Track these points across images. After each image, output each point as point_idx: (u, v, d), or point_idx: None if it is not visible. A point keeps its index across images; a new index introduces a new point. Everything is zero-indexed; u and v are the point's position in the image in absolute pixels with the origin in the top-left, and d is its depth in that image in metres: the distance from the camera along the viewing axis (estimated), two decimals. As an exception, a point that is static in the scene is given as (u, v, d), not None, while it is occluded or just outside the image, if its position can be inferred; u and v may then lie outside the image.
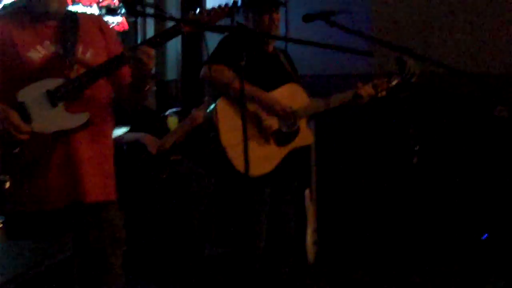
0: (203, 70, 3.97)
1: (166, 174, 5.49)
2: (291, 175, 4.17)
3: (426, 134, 5.08)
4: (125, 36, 7.54)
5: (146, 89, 3.14)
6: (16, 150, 2.87)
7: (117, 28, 7.19)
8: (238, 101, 3.82)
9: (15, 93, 2.93)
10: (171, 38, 3.10)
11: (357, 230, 5.79)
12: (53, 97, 2.96)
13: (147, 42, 3.05)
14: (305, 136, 4.15)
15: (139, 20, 7.69)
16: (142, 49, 2.99)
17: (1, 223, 4.13)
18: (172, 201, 5.56)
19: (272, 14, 4.14)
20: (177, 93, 6.61)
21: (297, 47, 5.62)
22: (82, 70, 3.04)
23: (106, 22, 3.44)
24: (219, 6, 3.18)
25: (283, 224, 4.17)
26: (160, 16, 3.13)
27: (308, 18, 4.09)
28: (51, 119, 2.96)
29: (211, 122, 3.91)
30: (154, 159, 5.40)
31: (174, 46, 7.61)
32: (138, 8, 2.93)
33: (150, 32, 7.75)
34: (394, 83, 4.26)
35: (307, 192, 4.36)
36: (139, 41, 7.71)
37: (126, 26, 7.26)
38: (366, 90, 4.20)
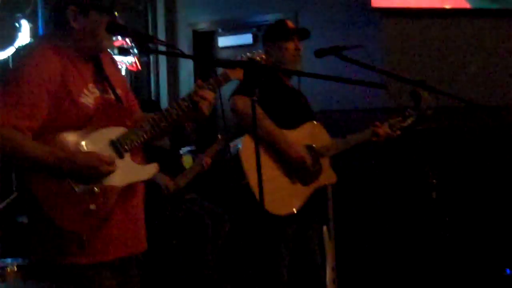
0: (232, 102, 3.93)
1: (182, 213, 5.48)
2: (313, 213, 4.14)
3: (444, 168, 5.03)
4: (138, 76, 7.55)
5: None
6: (93, 207, 2.72)
7: (130, 69, 7.21)
8: (264, 139, 3.84)
9: (77, 143, 2.75)
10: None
11: (376, 267, 5.71)
12: (118, 148, 2.82)
13: (207, 86, 2.95)
14: (329, 175, 4.11)
15: (152, 60, 7.70)
16: (208, 93, 2.92)
17: (18, 265, 4.12)
18: (188, 240, 5.54)
19: (296, 42, 4.13)
20: (191, 132, 6.60)
21: (309, 83, 5.65)
22: None
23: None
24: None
25: (310, 260, 4.14)
26: (173, 53, 3.07)
27: (320, 53, 4.07)
28: (122, 171, 2.80)
29: (237, 160, 3.86)
30: (170, 198, 5.38)
31: (187, 82, 7.62)
32: (151, 45, 2.88)
33: (163, 72, 7.75)
34: (408, 122, 4.22)
35: (325, 228, 4.30)
36: (152, 82, 7.73)
37: (139, 67, 7.27)
38: (383, 129, 4.16)
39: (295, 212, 3.93)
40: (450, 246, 5.23)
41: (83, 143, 2.77)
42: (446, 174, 5.09)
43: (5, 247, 4.60)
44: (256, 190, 3.76)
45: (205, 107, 2.92)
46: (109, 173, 2.76)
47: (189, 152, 6.39)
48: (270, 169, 3.88)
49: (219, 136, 5.80)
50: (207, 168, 5.62)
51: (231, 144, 3.98)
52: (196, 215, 5.59)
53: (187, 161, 6.16)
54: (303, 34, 4.21)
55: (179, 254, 5.54)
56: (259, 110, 3.77)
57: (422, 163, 4.49)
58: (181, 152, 6.29)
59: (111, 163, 2.76)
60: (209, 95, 2.94)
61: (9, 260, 4.27)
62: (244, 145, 3.88)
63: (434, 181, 4.36)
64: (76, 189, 2.72)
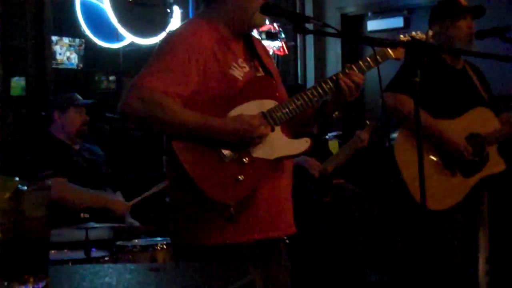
0: (385, 97, 3.83)
1: (329, 198, 5.41)
2: (479, 202, 3.96)
3: None
4: (285, 61, 7.53)
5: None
6: (241, 177, 2.67)
7: (277, 53, 7.19)
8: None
9: (225, 114, 2.71)
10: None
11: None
12: (269, 120, 2.75)
13: (357, 67, 2.86)
14: (495, 163, 3.90)
15: (299, 44, 7.66)
16: (357, 74, 2.83)
17: (165, 244, 4.20)
18: (335, 226, 5.47)
19: (470, 20, 3.95)
20: (337, 116, 6.52)
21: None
22: None
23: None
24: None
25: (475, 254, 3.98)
26: (326, 33, 3.00)
27: (481, 34, 3.89)
28: (273, 144, 2.74)
29: (391, 154, 3.81)
30: (317, 183, 5.33)
31: (334, 66, 7.52)
32: (306, 25, 2.79)
33: (310, 56, 7.70)
34: None
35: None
36: (299, 67, 7.70)
37: (287, 51, 7.24)
38: None
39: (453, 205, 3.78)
40: None
41: (232, 113, 2.73)
42: None
43: (156, 226, 4.70)
44: (411, 185, 3.67)
45: (351, 91, 2.82)
46: (261, 137, 2.70)
47: (336, 137, 6.31)
48: (427, 163, 3.70)
49: (367, 122, 5.67)
50: (366, 145, 5.45)
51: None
52: (343, 201, 5.51)
53: (334, 146, 6.09)
54: (477, 12, 3.99)
55: (325, 240, 5.50)
56: (411, 105, 3.64)
57: None
58: (327, 136, 6.21)
59: (262, 126, 2.71)
60: (358, 78, 2.83)
61: (159, 239, 4.37)
62: (398, 139, 3.80)
63: None
64: (225, 158, 2.68)
